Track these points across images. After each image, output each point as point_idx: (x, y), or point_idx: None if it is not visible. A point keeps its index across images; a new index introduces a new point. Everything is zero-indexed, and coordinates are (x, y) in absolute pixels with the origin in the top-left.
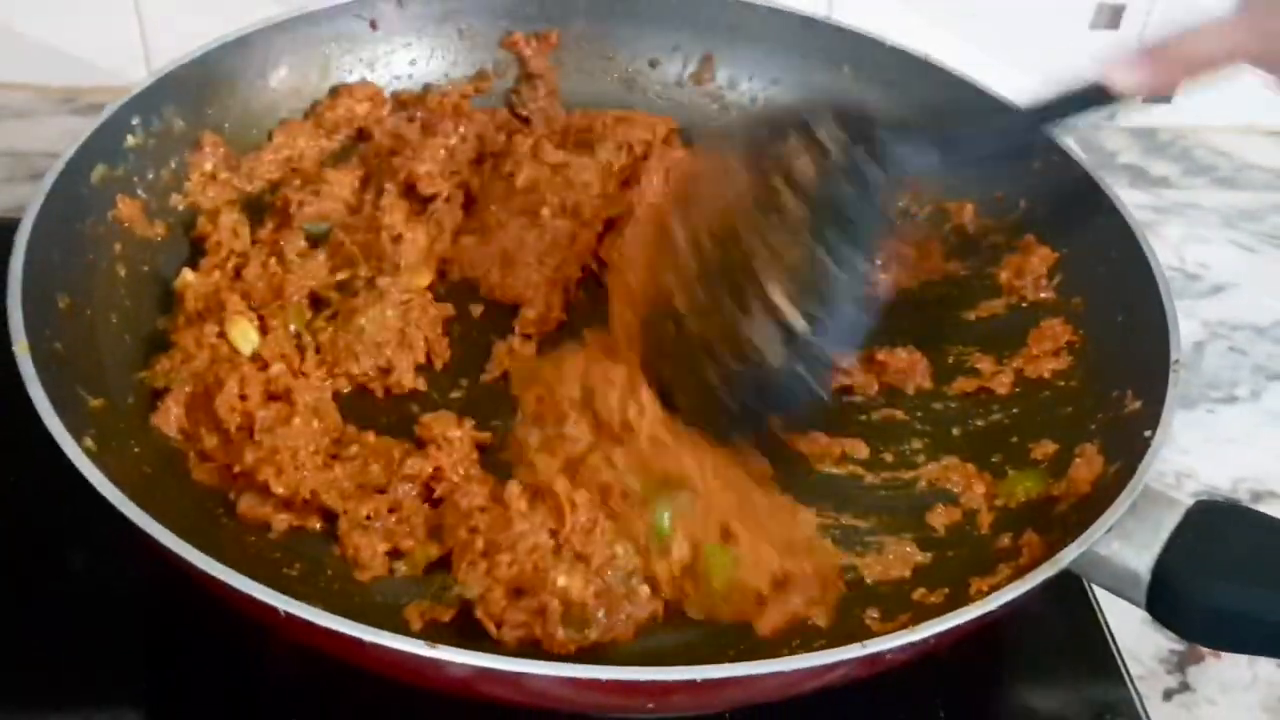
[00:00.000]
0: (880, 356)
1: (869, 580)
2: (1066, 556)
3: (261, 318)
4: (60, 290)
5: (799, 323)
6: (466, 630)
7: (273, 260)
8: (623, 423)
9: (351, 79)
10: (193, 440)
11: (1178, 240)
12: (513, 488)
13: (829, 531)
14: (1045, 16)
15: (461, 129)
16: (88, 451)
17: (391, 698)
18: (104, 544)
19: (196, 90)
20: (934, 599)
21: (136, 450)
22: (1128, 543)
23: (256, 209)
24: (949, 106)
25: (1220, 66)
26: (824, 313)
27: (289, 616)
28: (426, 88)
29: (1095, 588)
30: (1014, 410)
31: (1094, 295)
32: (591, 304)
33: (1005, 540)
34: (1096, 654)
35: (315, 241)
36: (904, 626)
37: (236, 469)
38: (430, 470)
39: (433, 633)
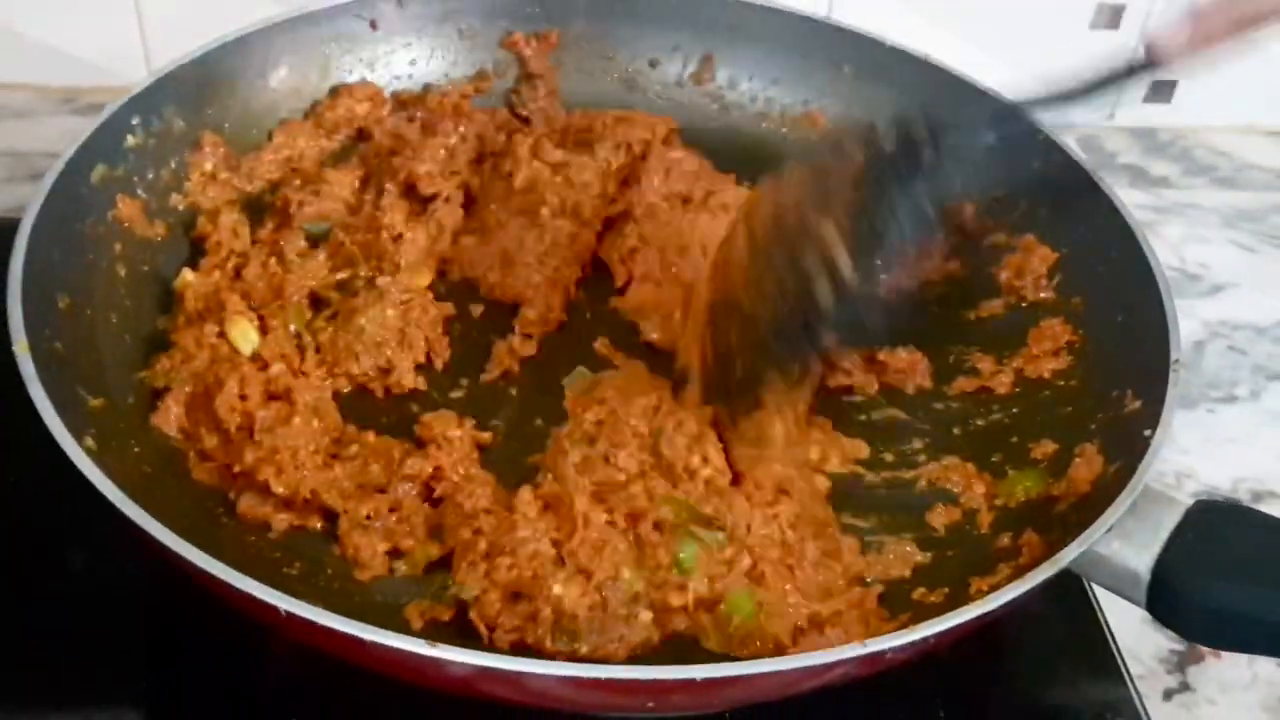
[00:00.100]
0: (880, 356)
1: (869, 580)
2: (1066, 556)
3: (261, 318)
4: (60, 290)
5: (846, 266)
6: (467, 630)
7: (273, 260)
8: (686, 468)
9: (351, 79)
10: (193, 440)
11: (1178, 240)
12: (524, 493)
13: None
14: (1045, 16)
15: (461, 129)
16: (88, 451)
17: (391, 697)
18: (104, 544)
19: (196, 90)
20: (934, 598)
21: (136, 450)
22: (1128, 542)
23: (256, 209)
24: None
25: (1266, 22)
26: (868, 264)
27: (289, 616)
28: (426, 88)
29: (1095, 587)
30: (1014, 410)
31: (1094, 295)
32: (591, 304)
33: (1005, 540)
34: (1096, 654)
35: (315, 241)
36: (904, 626)
37: (236, 469)
38: (430, 470)
39: (433, 632)
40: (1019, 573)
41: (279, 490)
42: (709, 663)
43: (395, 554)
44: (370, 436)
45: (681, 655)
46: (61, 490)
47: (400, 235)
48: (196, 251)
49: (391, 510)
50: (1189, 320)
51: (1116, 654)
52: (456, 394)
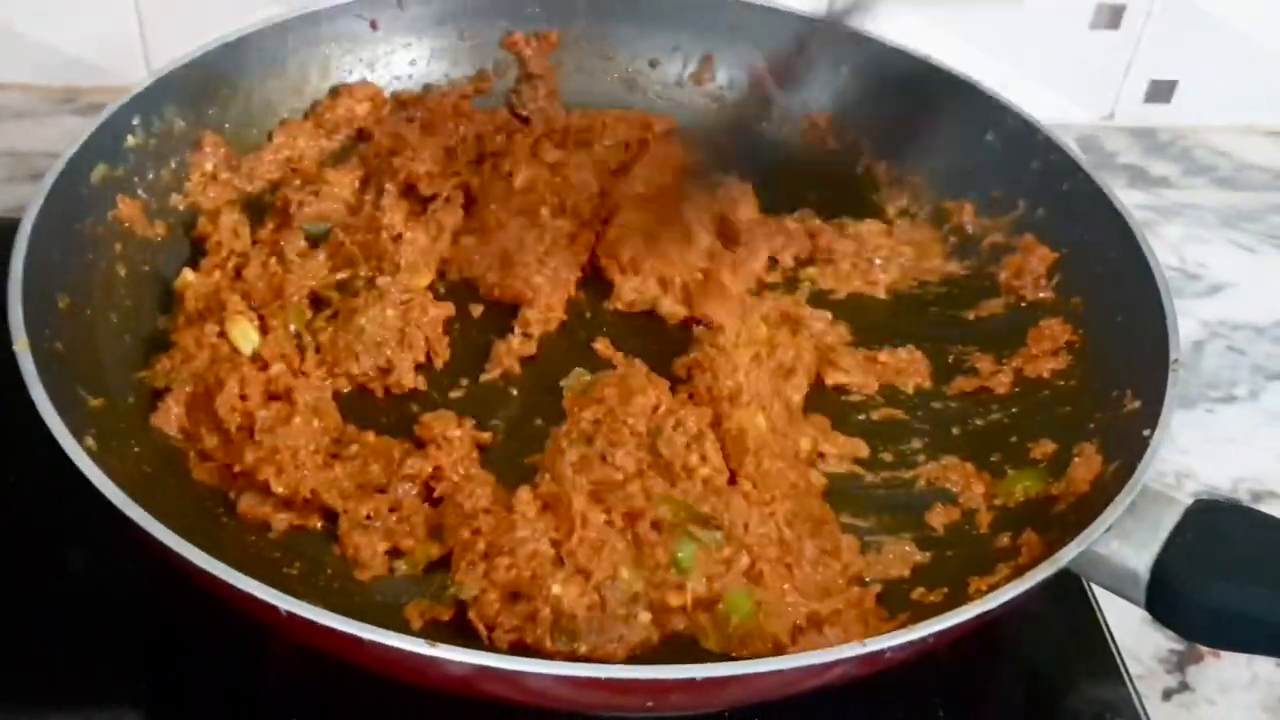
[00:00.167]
0: (880, 356)
1: (868, 579)
2: (1065, 556)
3: (262, 317)
4: (60, 290)
5: None
6: (466, 630)
7: (273, 260)
8: (684, 466)
9: (351, 79)
10: (193, 440)
11: (1177, 240)
12: (523, 494)
13: None
14: (1045, 16)
15: (461, 129)
16: (88, 451)
17: (391, 697)
18: (104, 544)
19: (196, 90)
20: (933, 598)
21: (137, 450)
22: (1127, 542)
23: (257, 209)
24: None
25: None
26: None
27: (289, 615)
28: (426, 88)
29: (1094, 587)
30: (1013, 410)
31: (1093, 295)
32: (591, 304)
33: (1004, 539)
34: (1096, 653)
35: (315, 241)
36: (903, 625)
37: (237, 468)
38: (430, 470)
39: (432, 632)
40: (1018, 572)
41: (279, 490)
42: (708, 662)
43: (395, 554)
44: (370, 436)
45: (680, 655)
46: (61, 490)
47: (400, 235)
48: (197, 251)
49: (391, 510)
50: (1188, 320)
51: (1116, 654)
52: (456, 394)
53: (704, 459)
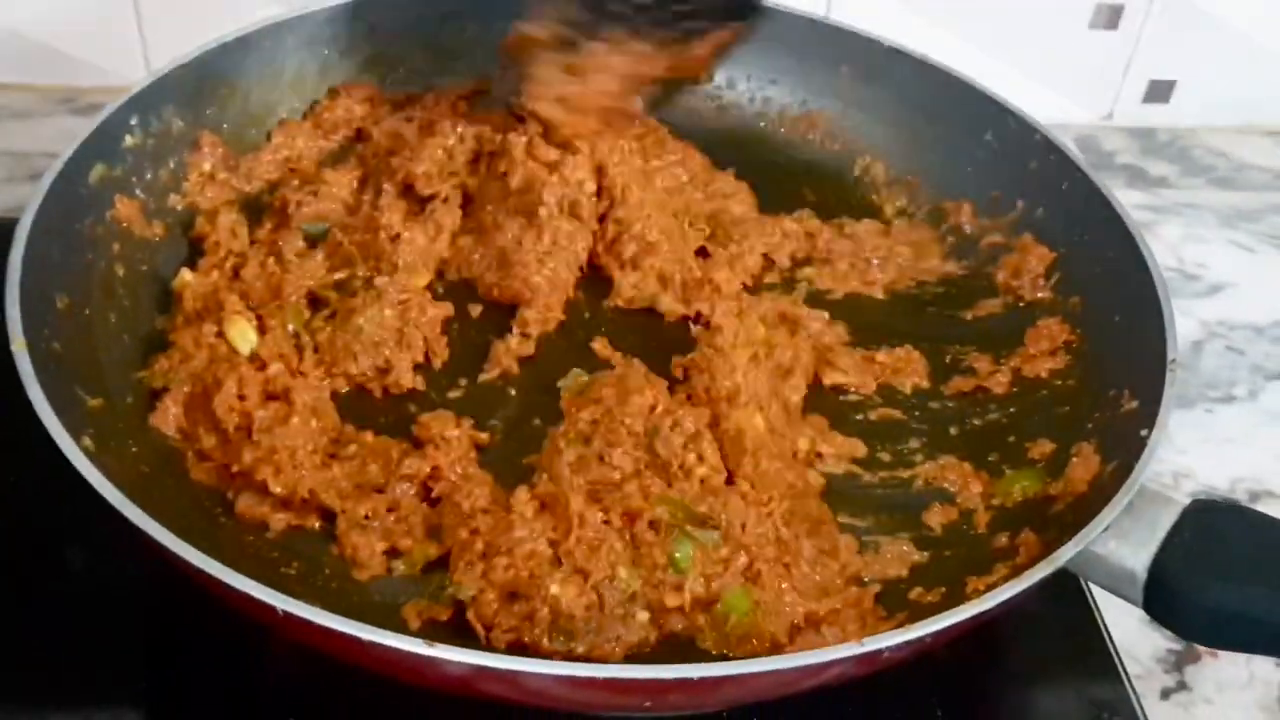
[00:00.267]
0: (878, 356)
1: (866, 579)
2: (1063, 555)
3: (260, 317)
4: (59, 290)
5: None
6: (464, 629)
7: (271, 260)
8: (681, 466)
9: (350, 79)
10: (191, 440)
11: (1176, 240)
12: (521, 494)
13: None
14: (1045, 16)
15: (460, 129)
16: (86, 451)
17: (390, 697)
18: (104, 544)
19: (195, 90)
20: (931, 598)
21: (135, 450)
22: (1125, 542)
23: (255, 209)
24: None
25: None
26: None
27: (287, 615)
28: (426, 88)
29: (1092, 587)
30: (1011, 409)
31: (1092, 295)
32: (590, 304)
33: (1002, 539)
34: (1094, 653)
35: (313, 241)
36: (901, 625)
37: (235, 468)
38: (428, 470)
39: (431, 632)
40: (1016, 572)
41: (277, 490)
42: (705, 662)
43: (393, 554)
44: (368, 436)
45: (678, 654)
46: (61, 490)
47: (398, 235)
48: (195, 251)
49: (389, 510)
50: (1187, 320)
51: (1114, 653)
52: (454, 394)
53: (701, 459)
